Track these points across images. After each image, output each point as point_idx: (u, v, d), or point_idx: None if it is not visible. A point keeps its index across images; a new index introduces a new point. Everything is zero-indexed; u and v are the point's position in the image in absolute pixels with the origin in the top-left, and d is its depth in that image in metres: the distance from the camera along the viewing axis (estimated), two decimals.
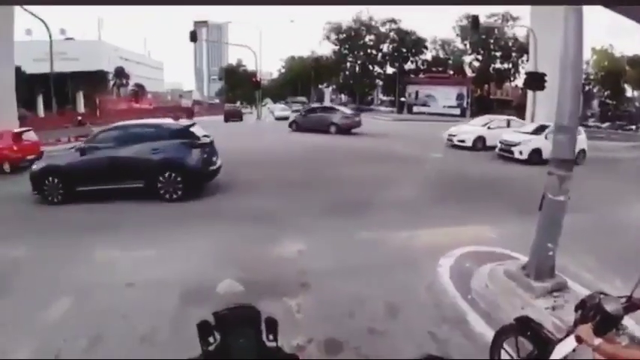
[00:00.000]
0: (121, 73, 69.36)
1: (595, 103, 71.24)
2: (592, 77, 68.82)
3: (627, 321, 3.02)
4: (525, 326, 3.69)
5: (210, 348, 1.66)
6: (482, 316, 5.43)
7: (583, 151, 18.48)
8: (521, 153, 18.69)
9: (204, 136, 11.72)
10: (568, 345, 2.98)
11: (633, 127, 63.17)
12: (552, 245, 5.75)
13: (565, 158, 5.63)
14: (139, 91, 69.91)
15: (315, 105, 40.11)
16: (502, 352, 3.94)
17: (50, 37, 33.05)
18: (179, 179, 10.47)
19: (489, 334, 4.45)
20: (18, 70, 32.67)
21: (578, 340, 2.75)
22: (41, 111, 49.86)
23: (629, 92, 73.42)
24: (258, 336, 1.68)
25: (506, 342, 3.90)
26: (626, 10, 32.11)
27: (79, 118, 33.46)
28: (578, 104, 5.72)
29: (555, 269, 5.94)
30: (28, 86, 44.21)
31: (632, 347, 2.49)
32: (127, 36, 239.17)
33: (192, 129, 11.55)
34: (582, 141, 18.26)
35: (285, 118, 37.17)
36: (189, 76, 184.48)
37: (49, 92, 36.41)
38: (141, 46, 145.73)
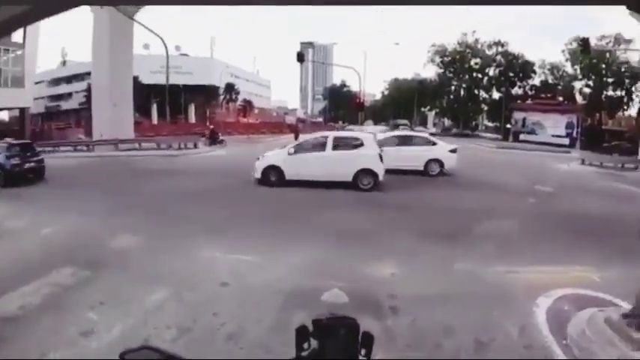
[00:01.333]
0: (231, 88, 73.12)
1: None
2: None
3: None
4: None
5: (304, 354, 1.63)
6: None
7: (438, 161, 19.25)
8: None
9: (27, 150, 17.82)
10: None
11: None
12: None
13: None
14: (247, 107, 73.14)
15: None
16: None
17: (167, 51, 35.63)
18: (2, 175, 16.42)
19: None
20: (135, 79, 35.86)
21: None
22: (155, 118, 53.85)
23: None
24: (354, 349, 1.62)
25: None
26: None
27: (212, 126, 36.26)
28: None
29: None
30: (143, 95, 48.01)
31: None
32: (237, 54, 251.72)
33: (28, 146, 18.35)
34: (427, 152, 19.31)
35: None
36: (295, 94, 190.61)
37: (164, 102, 39.19)
38: (250, 64, 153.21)
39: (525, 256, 8.83)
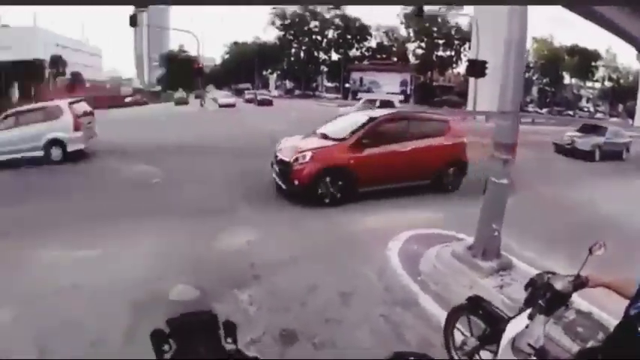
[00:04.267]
0: (57, 60, 66.06)
1: (534, 89, 74.86)
2: (531, 65, 72.53)
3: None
4: (476, 305, 3.76)
5: (167, 356, 1.57)
6: (433, 297, 5.49)
7: None
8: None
9: None
10: (521, 322, 3.03)
11: (571, 112, 66.64)
12: (497, 226, 5.94)
13: (507, 142, 5.80)
14: (76, 80, 66.47)
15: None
16: (455, 331, 4.07)
17: None
18: None
19: (441, 313, 4.51)
20: None
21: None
22: None
23: (567, 80, 78.12)
24: (216, 341, 1.62)
25: (458, 321, 4.03)
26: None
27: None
28: (520, 91, 5.88)
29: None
30: None
31: None
32: (63, 21, 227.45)
33: None
34: None
35: (230, 105, 39.58)
36: (129, 63, 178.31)
37: None
38: (78, 31, 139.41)
39: None
